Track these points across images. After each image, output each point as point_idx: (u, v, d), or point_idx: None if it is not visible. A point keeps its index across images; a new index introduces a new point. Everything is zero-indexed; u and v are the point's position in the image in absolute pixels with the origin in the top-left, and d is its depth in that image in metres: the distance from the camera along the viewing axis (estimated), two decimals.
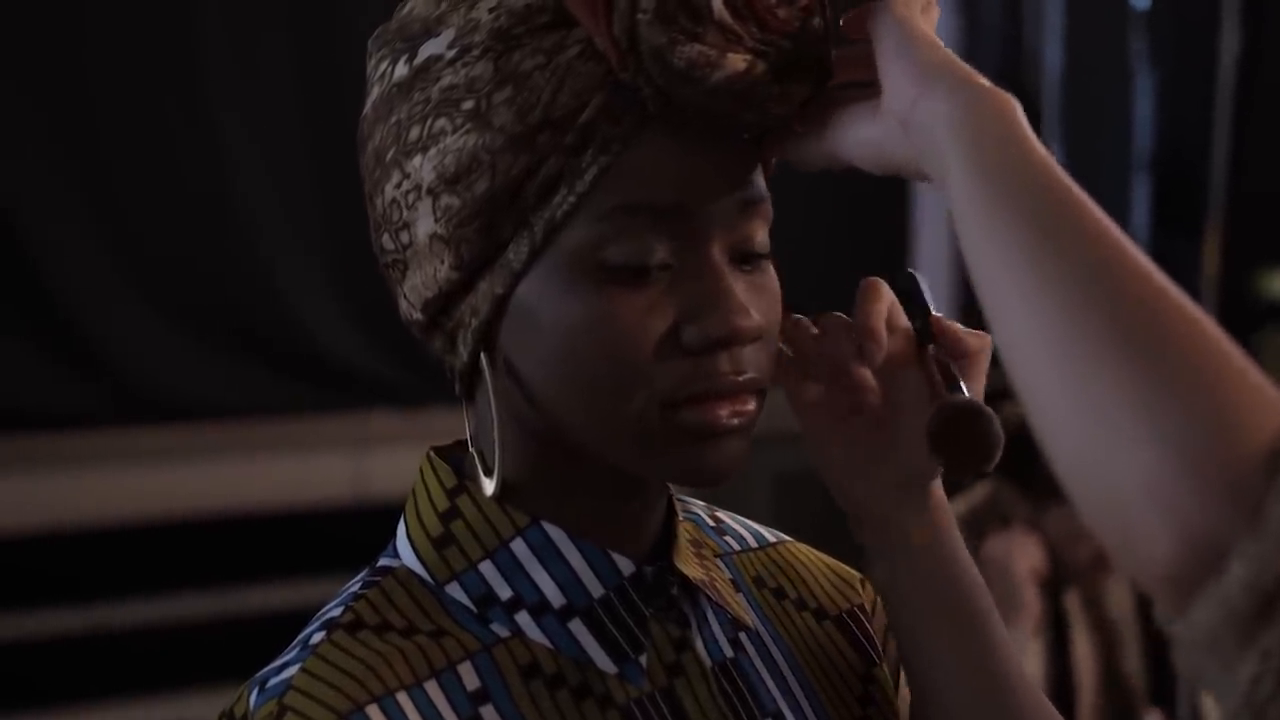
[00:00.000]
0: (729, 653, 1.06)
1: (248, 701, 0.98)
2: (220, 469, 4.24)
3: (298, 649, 0.99)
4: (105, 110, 4.11)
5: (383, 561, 1.04)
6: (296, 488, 4.26)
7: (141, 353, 4.16)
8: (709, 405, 0.96)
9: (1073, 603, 2.85)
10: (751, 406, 0.98)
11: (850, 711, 1.10)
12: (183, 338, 4.21)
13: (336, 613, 1.00)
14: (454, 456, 1.06)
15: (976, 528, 2.67)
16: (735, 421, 0.97)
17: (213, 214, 4.24)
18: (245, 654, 3.86)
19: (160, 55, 4.16)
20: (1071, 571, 2.78)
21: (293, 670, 0.97)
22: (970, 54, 5.24)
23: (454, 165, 0.95)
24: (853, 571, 1.18)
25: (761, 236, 0.99)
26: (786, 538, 1.18)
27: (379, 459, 4.32)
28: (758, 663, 1.07)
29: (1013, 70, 5.19)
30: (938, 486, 1.07)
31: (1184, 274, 4.83)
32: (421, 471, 1.05)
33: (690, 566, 1.05)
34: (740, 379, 0.96)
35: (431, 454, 1.05)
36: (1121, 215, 5.00)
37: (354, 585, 1.03)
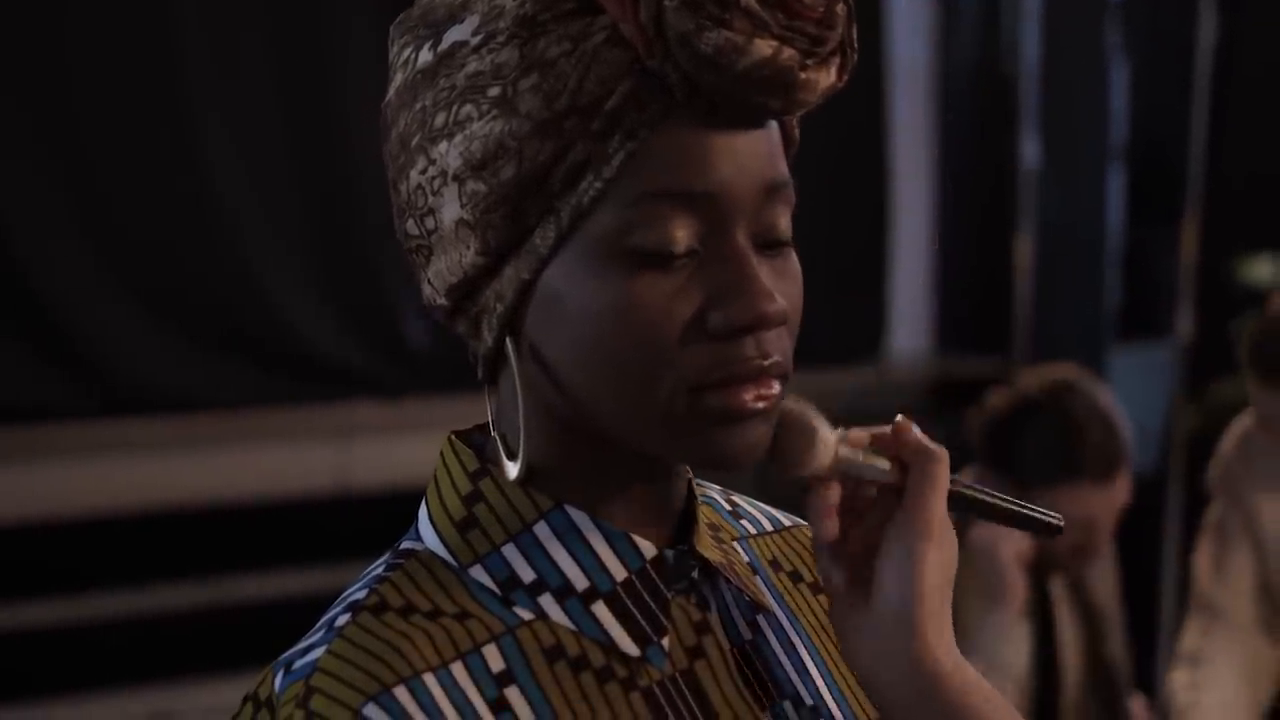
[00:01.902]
0: (748, 635, 1.07)
1: (273, 684, 0.98)
2: (203, 461, 4.24)
3: (323, 631, 0.99)
4: (88, 111, 4.11)
5: (405, 544, 1.04)
6: (279, 479, 4.26)
7: (126, 348, 4.16)
8: (734, 389, 0.96)
9: (1058, 587, 2.87)
10: (776, 390, 0.98)
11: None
12: (166, 332, 4.21)
13: (361, 595, 1.00)
14: (475, 439, 1.06)
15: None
16: (760, 405, 0.97)
17: (195, 212, 4.24)
18: (230, 644, 3.86)
19: (141, 57, 4.16)
20: (1055, 557, 2.79)
21: (319, 652, 0.97)
22: (947, 43, 5.26)
23: (480, 151, 0.96)
24: None
25: (785, 222, 0.99)
26: (801, 521, 1.17)
27: (361, 450, 4.32)
28: (776, 645, 1.08)
29: (990, 59, 5.21)
30: (946, 668, 1.01)
31: (1162, 262, 4.86)
32: (443, 455, 1.05)
33: (710, 550, 1.06)
34: (765, 363, 0.97)
35: (453, 437, 1.05)
36: (1098, 204, 5.02)
37: (377, 567, 1.03)
